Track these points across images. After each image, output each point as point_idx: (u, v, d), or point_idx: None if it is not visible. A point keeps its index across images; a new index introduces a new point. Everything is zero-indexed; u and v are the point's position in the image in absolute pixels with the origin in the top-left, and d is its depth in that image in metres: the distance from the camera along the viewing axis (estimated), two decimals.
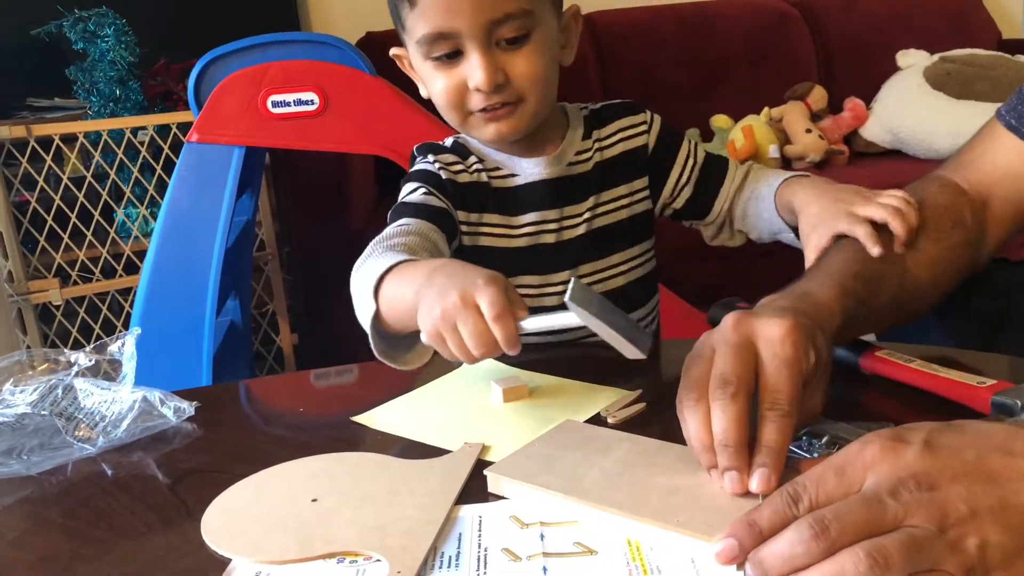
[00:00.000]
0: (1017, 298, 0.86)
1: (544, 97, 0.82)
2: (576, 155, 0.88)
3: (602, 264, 0.90)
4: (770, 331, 0.54)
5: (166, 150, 1.89)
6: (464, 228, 0.85)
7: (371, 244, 0.75)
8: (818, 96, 2.53)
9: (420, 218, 0.79)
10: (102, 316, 1.95)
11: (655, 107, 0.94)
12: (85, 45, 1.91)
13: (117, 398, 0.71)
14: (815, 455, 0.56)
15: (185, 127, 1.77)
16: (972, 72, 2.43)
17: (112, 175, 1.89)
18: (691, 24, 2.66)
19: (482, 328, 0.57)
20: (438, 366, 0.72)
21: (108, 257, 1.93)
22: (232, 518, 0.55)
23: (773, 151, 2.35)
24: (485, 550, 0.50)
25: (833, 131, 2.49)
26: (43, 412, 0.70)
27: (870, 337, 0.75)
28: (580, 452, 0.58)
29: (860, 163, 2.44)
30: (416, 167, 0.87)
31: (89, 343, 0.75)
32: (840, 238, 0.74)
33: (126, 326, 1.93)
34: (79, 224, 1.87)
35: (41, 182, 1.82)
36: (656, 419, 0.64)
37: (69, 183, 1.85)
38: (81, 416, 0.71)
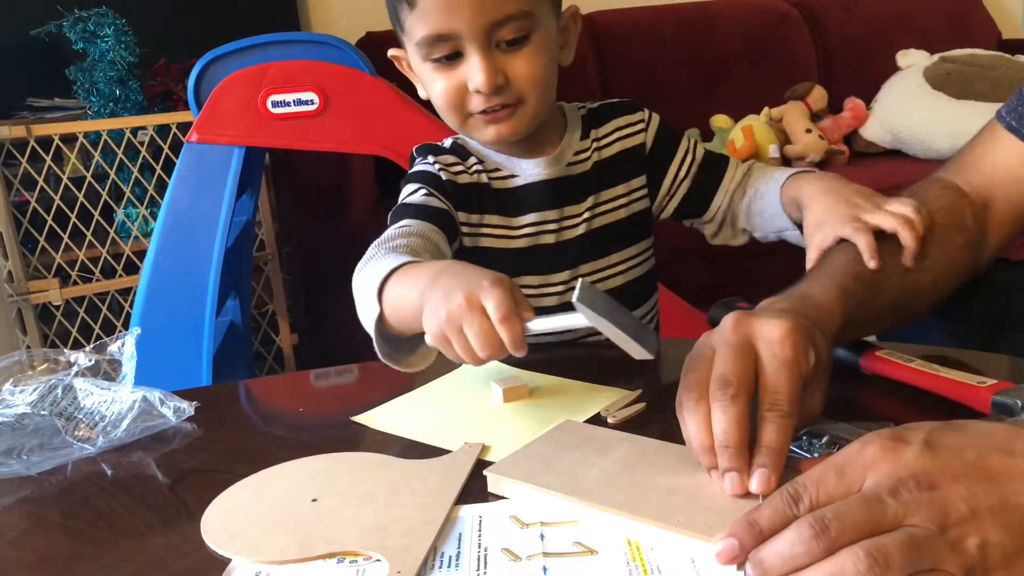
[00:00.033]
0: (1017, 298, 0.85)
1: (544, 98, 0.82)
2: (574, 155, 0.88)
3: (601, 263, 0.90)
4: (769, 332, 0.54)
5: (166, 150, 1.89)
6: (465, 229, 0.85)
7: (372, 246, 0.75)
8: (818, 96, 2.53)
9: (421, 219, 0.79)
10: (102, 316, 1.95)
11: (655, 107, 0.94)
12: (85, 45, 1.91)
13: (117, 398, 0.71)
14: (815, 455, 0.56)
15: (185, 127, 1.77)
16: (972, 72, 2.43)
17: (112, 175, 1.89)
18: (691, 24, 2.66)
19: (488, 330, 0.57)
20: (438, 366, 0.72)
21: (108, 257, 1.93)
22: (232, 518, 0.55)
23: (773, 151, 2.35)
24: (485, 550, 0.50)
25: (833, 131, 2.49)
26: (43, 412, 0.70)
27: (870, 337, 0.75)
28: (580, 452, 0.58)
29: (860, 163, 2.44)
30: (416, 168, 0.87)
31: (89, 343, 0.75)
32: (843, 240, 0.74)
33: (126, 326, 1.93)
34: (79, 224, 1.87)
35: (41, 182, 1.82)
36: (656, 419, 0.64)
37: (69, 183, 1.85)
38: (81, 416, 0.70)
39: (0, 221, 1.81)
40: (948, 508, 0.41)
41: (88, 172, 1.87)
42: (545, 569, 0.47)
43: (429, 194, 0.83)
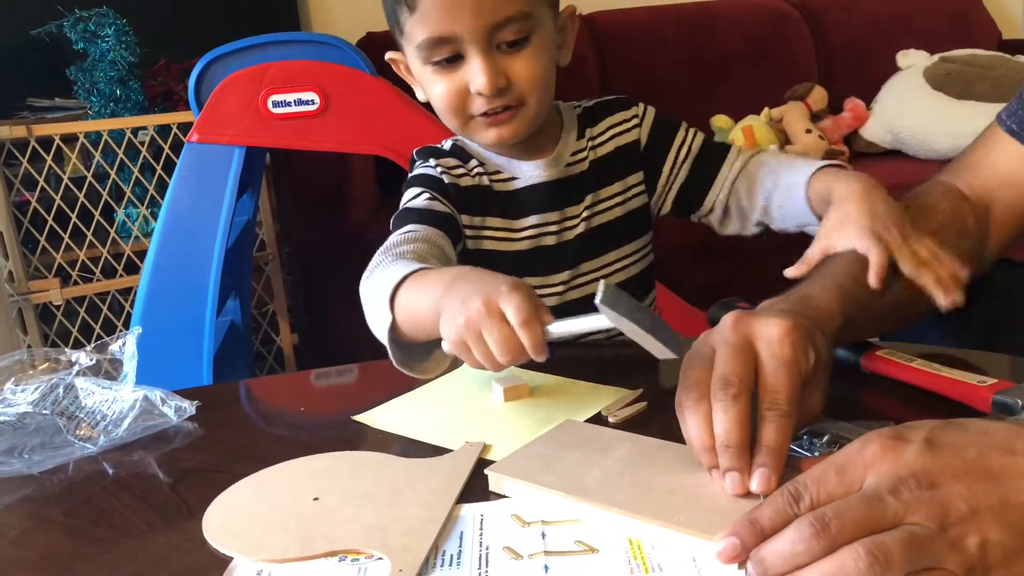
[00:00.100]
0: (1019, 299, 0.85)
1: (544, 99, 0.82)
2: (572, 156, 0.88)
3: (601, 262, 0.90)
4: (769, 331, 0.54)
5: (166, 150, 1.90)
6: (467, 232, 0.85)
7: (378, 253, 0.74)
8: (818, 96, 2.53)
9: (426, 224, 0.79)
10: (102, 316, 1.95)
11: (655, 107, 0.94)
12: (85, 45, 1.91)
13: (118, 397, 0.71)
14: (816, 454, 0.56)
15: (185, 127, 1.78)
16: (972, 72, 2.43)
17: (112, 175, 1.89)
18: (691, 24, 2.67)
19: (508, 335, 0.56)
20: None
21: (108, 257, 1.93)
22: (233, 517, 0.55)
23: (773, 151, 2.35)
24: (487, 549, 0.50)
25: (833, 131, 2.50)
26: (44, 411, 0.70)
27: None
28: (581, 451, 0.58)
29: (860, 163, 2.44)
30: (417, 171, 0.87)
31: (89, 343, 0.75)
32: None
33: (126, 326, 1.93)
34: (79, 224, 1.87)
35: (42, 182, 1.82)
36: (657, 418, 0.64)
37: (69, 183, 1.85)
38: (82, 415, 0.71)
39: (1, 221, 1.81)
40: (948, 507, 0.41)
41: (89, 172, 1.88)
42: (547, 568, 0.47)
43: (432, 198, 0.82)
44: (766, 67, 2.66)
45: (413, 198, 0.83)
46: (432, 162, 0.86)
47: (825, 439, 0.57)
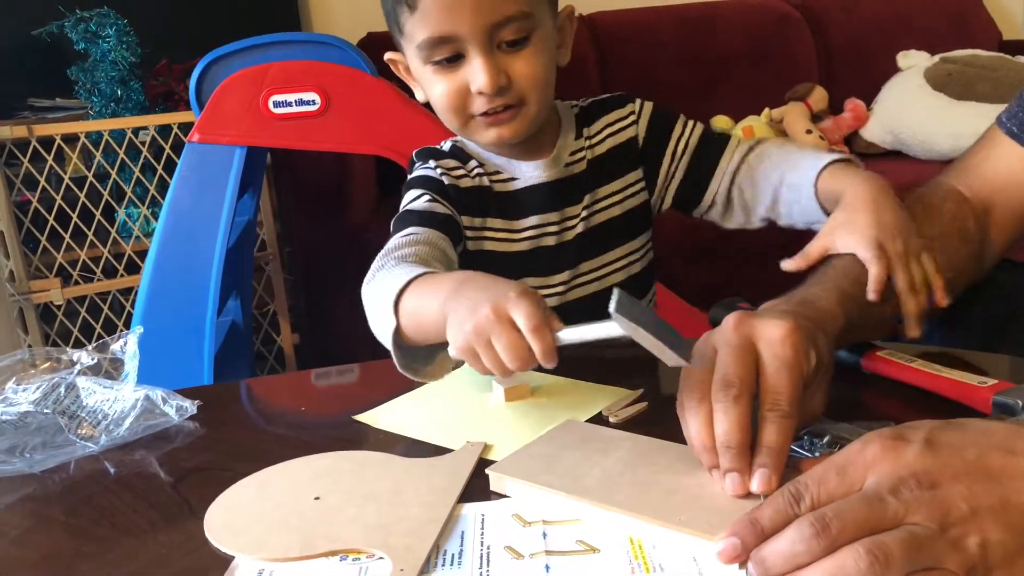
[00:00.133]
0: (1020, 300, 0.86)
1: (544, 99, 0.82)
2: (570, 155, 0.88)
3: (601, 261, 0.90)
4: (771, 332, 0.54)
5: (167, 150, 1.90)
6: (468, 233, 0.85)
7: (380, 256, 0.74)
8: (819, 97, 2.53)
9: (427, 226, 0.78)
10: (103, 316, 1.95)
11: None
12: (86, 45, 1.91)
13: (119, 396, 0.71)
14: (816, 455, 0.56)
15: (186, 127, 1.78)
16: (973, 73, 2.43)
17: (113, 175, 1.89)
18: (692, 24, 2.67)
19: (517, 341, 0.55)
20: None
21: (109, 257, 1.93)
22: (235, 516, 0.55)
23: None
24: (488, 548, 0.50)
25: (834, 132, 2.50)
26: (46, 410, 0.71)
27: None
28: (582, 451, 0.58)
29: None
30: (417, 173, 0.86)
31: (90, 343, 0.75)
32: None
33: (127, 326, 1.94)
34: (80, 224, 1.87)
35: (43, 182, 1.83)
36: (658, 419, 0.64)
37: (70, 183, 1.85)
38: (84, 414, 0.71)
39: (2, 221, 1.81)
40: (949, 507, 0.41)
41: (90, 172, 1.88)
42: (548, 567, 0.47)
43: (433, 200, 0.82)
44: (766, 67, 2.66)
45: (413, 200, 0.83)
46: (432, 163, 0.86)
47: (826, 439, 0.57)
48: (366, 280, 0.73)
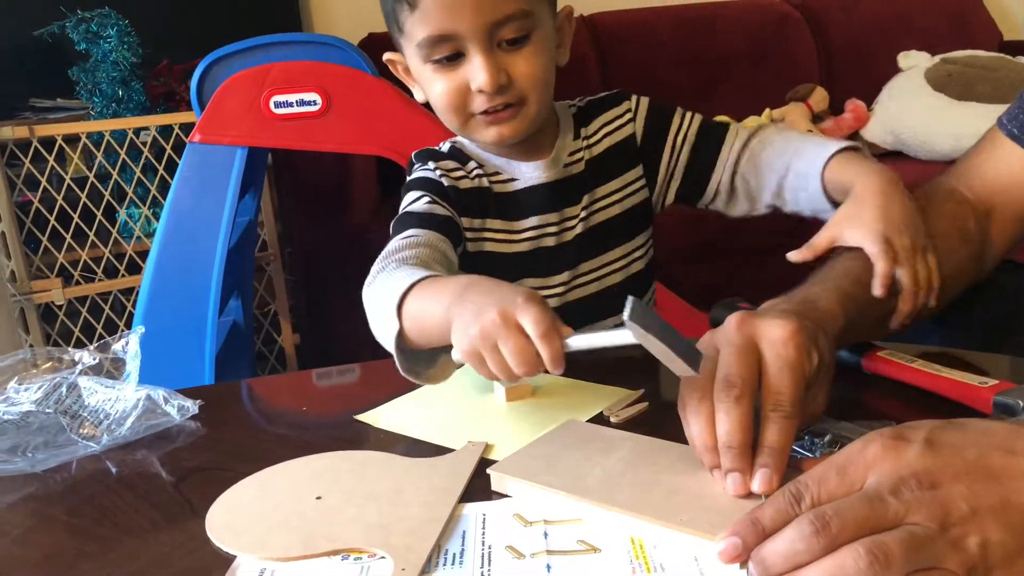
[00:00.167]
0: (1021, 300, 0.86)
1: (544, 98, 0.82)
2: (569, 156, 0.88)
3: (601, 261, 0.90)
4: (773, 332, 0.54)
5: (168, 150, 1.90)
6: (468, 235, 0.85)
7: (380, 259, 0.74)
8: (819, 97, 2.54)
9: (427, 228, 0.78)
10: (104, 316, 1.95)
11: None
12: (88, 46, 1.91)
13: (121, 396, 0.71)
14: (817, 454, 0.56)
15: (187, 127, 1.78)
16: (973, 73, 2.43)
17: (115, 175, 1.90)
18: (692, 25, 2.67)
19: (524, 346, 0.55)
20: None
21: (111, 257, 1.93)
22: (236, 516, 0.56)
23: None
24: (489, 548, 0.50)
25: (834, 132, 2.49)
26: (48, 410, 0.71)
27: None
28: (583, 451, 0.58)
29: None
30: (416, 174, 0.86)
31: (91, 343, 0.76)
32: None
33: (128, 326, 1.94)
34: (82, 224, 1.87)
35: (44, 182, 1.83)
36: (658, 419, 0.64)
37: (72, 183, 1.85)
38: (85, 414, 0.71)
39: (3, 221, 1.81)
40: (949, 507, 0.41)
41: (91, 172, 1.88)
42: (549, 567, 0.48)
43: (433, 201, 0.82)
44: (767, 68, 2.66)
45: (413, 202, 0.82)
46: (431, 165, 0.86)
47: (826, 439, 0.57)
48: (367, 282, 0.73)
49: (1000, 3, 2.98)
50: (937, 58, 2.53)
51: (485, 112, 0.80)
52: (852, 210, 0.73)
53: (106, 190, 1.89)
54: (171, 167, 1.84)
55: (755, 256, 2.17)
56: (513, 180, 0.87)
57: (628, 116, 0.90)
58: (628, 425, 0.65)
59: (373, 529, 0.52)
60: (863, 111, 2.53)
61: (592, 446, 0.59)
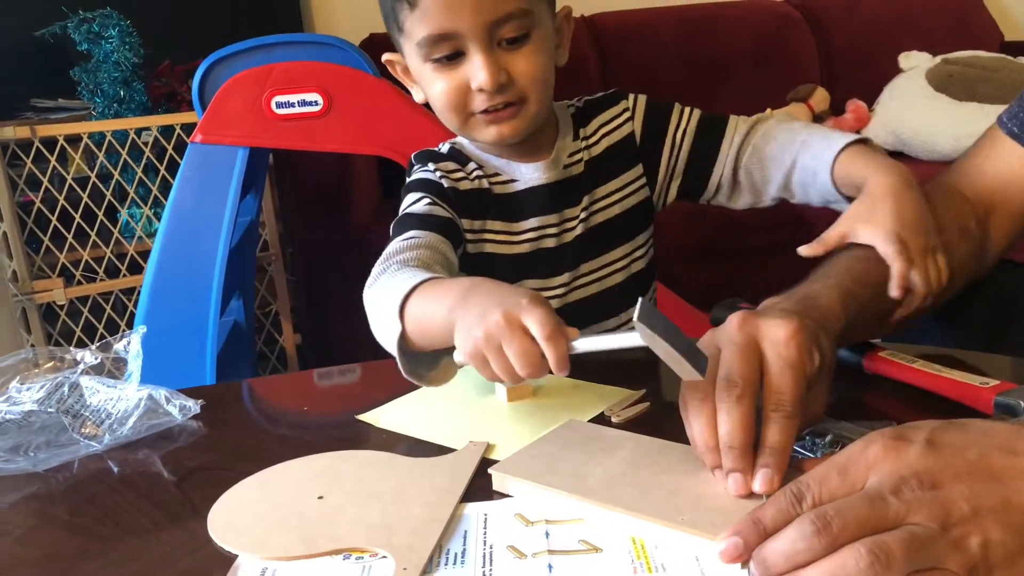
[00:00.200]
0: (1022, 301, 0.86)
1: (544, 98, 0.82)
2: (569, 157, 0.88)
3: (601, 261, 0.89)
4: (775, 332, 0.54)
5: (170, 151, 1.90)
6: (468, 236, 0.85)
7: (381, 260, 0.74)
8: (820, 98, 2.54)
9: (427, 229, 0.78)
10: (106, 316, 1.95)
11: None
12: (89, 46, 1.91)
13: (123, 396, 0.71)
14: (818, 454, 0.56)
15: (189, 128, 1.78)
16: (974, 74, 2.43)
17: (116, 175, 1.90)
18: (693, 26, 2.67)
19: (529, 348, 0.55)
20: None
21: (112, 257, 1.94)
22: (238, 515, 0.56)
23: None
24: (491, 547, 0.50)
25: None
26: (50, 409, 0.71)
27: None
28: (584, 451, 0.58)
29: None
30: (416, 176, 0.86)
31: (93, 343, 0.76)
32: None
33: (130, 326, 1.94)
34: (83, 224, 1.88)
35: (45, 182, 1.83)
36: (660, 418, 0.64)
37: (73, 183, 1.86)
38: (87, 414, 0.71)
39: (5, 221, 1.82)
40: (950, 507, 0.41)
41: (92, 172, 1.88)
42: (550, 567, 0.48)
43: (433, 203, 0.82)
44: (768, 68, 2.66)
45: (413, 203, 0.82)
46: (431, 166, 0.86)
47: (827, 439, 0.57)
48: (367, 284, 0.72)
49: (1001, 3, 2.98)
50: (938, 58, 2.53)
51: (485, 111, 0.80)
52: (865, 207, 0.73)
53: (108, 190, 1.90)
54: (173, 167, 1.84)
55: (756, 256, 2.17)
56: (513, 181, 0.87)
57: (626, 115, 0.90)
58: (629, 425, 0.65)
59: (375, 529, 0.52)
60: (864, 111, 2.53)
61: (593, 446, 0.59)
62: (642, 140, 0.90)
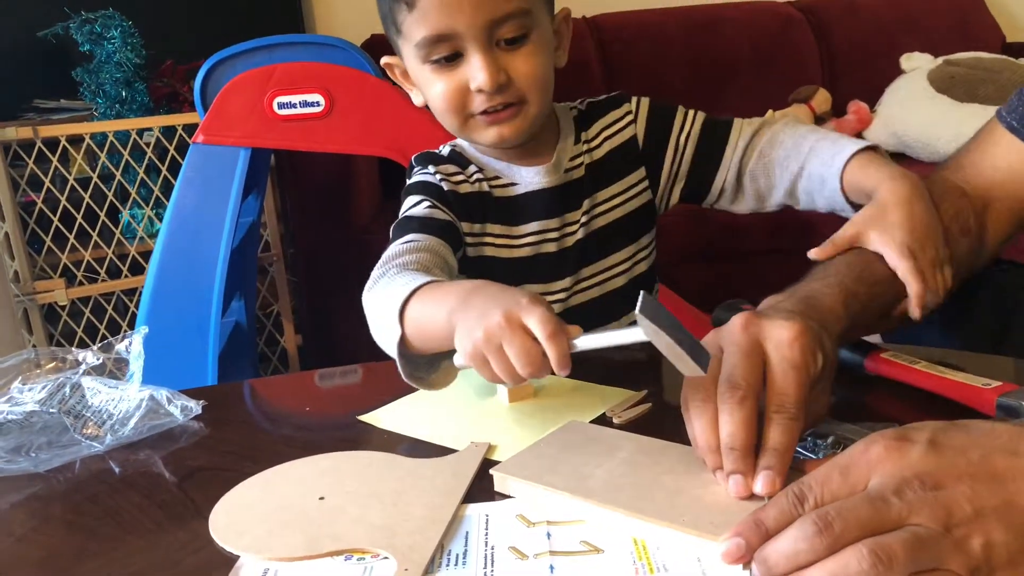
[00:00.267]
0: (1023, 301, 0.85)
1: (544, 99, 0.81)
2: (570, 161, 0.87)
3: (603, 265, 0.89)
4: (779, 334, 0.54)
5: (172, 151, 1.90)
6: (468, 239, 0.85)
7: (380, 264, 0.74)
8: (822, 99, 2.53)
9: (427, 233, 0.78)
10: (107, 316, 1.95)
11: None
12: (91, 47, 1.92)
13: (125, 396, 0.71)
14: (820, 456, 0.56)
15: (191, 128, 1.78)
16: (976, 75, 2.43)
17: (118, 176, 1.90)
18: (696, 27, 2.67)
19: (530, 347, 0.55)
20: None
21: (113, 258, 1.94)
22: (240, 516, 0.56)
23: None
24: (492, 548, 0.50)
25: None
26: (51, 410, 0.71)
27: (875, 339, 0.75)
28: (586, 452, 0.58)
29: None
30: (416, 178, 0.86)
31: (94, 344, 0.76)
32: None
33: (131, 327, 1.94)
34: (85, 225, 1.88)
35: (47, 183, 1.83)
36: (661, 419, 0.64)
37: (75, 184, 1.86)
38: (89, 414, 0.71)
39: (7, 222, 1.82)
40: (952, 508, 0.41)
41: (94, 173, 1.88)
42: (552, 568, 0.48)
43: (433, 206, 0.82)
44: (770, 70, 2.66)
45: (413, 206, 0.82)
46: (431, 169, 0.85)
47: (829, 440, 0.57)
48: (367, 287, 0.72)
49: (1003, 5, 2.98)
50: (940, 60, 2.52)
51: (485, 112, 0.79)
52: (876, 212, 0.72)
53: (109, 191, 1.90)
54: (174, 168, 1.84)
55: (756, 258, 2.17)
56: (513, 184, 0.86)
57: (629, 119, 0.90)
58: (631, 426, 0.65)
59: (376, 529, 0.52)
60: (866, 113, 2.53)
61: (595, 447, 0.59)
62: (645, 143, 0.89)
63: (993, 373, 0.64)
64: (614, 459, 0.57)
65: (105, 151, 1.88)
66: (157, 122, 1.90)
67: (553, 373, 0.56)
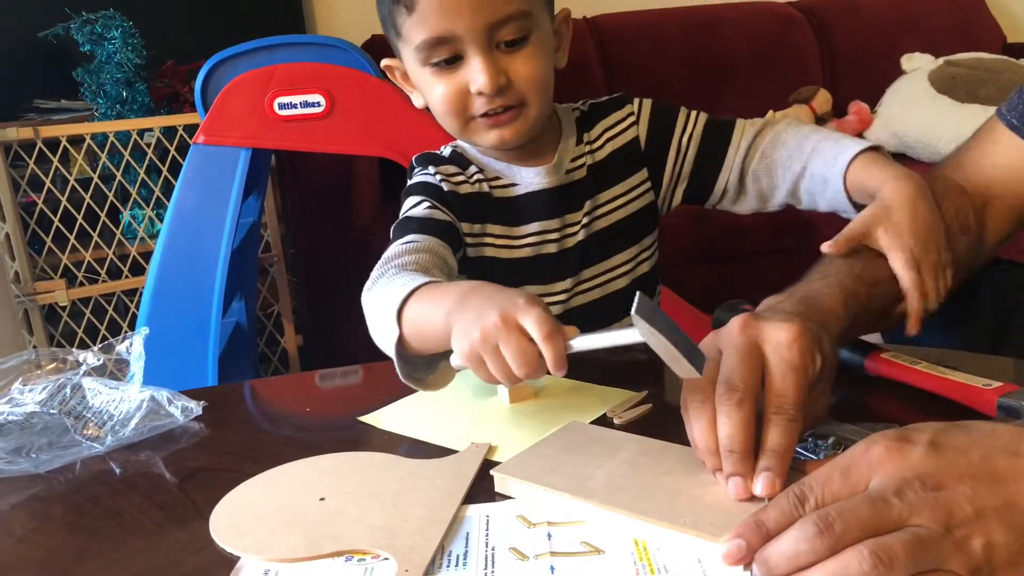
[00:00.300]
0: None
1: (544, 100, 0.81)
2: (571, 162, 0.87)
3: (604, 267, 0.89)
4: (777, 336, 0.54)
5: (172, 152, 1.90)
6: (468, 240, 0.84)
7: (380, 264, 0.74)
8: (823, 100, 2.53)
9: (427, 233, 0.78)
10: (108, 317, 1.95)
11: None
12: (92, 47, 1.92)
13: (125, 397, 0.71)
14: (821, 456, 0.56)
15: (191, 129, 1.78)
16: (977, 76, 2.43)
17: (119, 176, 1.90)
18: (696, 28, 2.67)
19: (526, 348, 0.55)
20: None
21: (114, 258, 1.94)
22: (240, 517, 0.56)
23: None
24: (492, 549, 0.50)
25: None
26: (52, 411, 0.71)
27: (876, 339, 0.75)
28: (586, 453, 0.58)
29: None
30: (416, 179, 0.86)
31: (95, 344, 0.76)
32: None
33: (132, 327, 1.94)
34: (85, 225, 1.88)
35: (48, 183, 1.83)
36: (662, 420, 0.64)
37: (76, 184, 1.86)
38: (89, 415, 0.71)
39: (7, 222, 1.82)
40: (953, 508, 0.41)
41: (95, 173, 1.88)
42: (552, 568, 0.48)
43: (433, 207, 0.82)
44: (771, 70, 2.66)
45: (413, 207, 0.82)
46: (431, 169, 0.85)
47: (830, 441, 0.57)
48: (366, 287, 0.72)
49: (1004, 5, 2.97)
50: (940, 60, 2.52)
51: (485, 115, 0.79)
52: (882, 212, 0.72)
53: (110, 191, 1.90)
54: (175, 168, 1.84)
55: (756, 258, 2.17)
56: (514, 185, 0.86)
57: (631, 120, 0.89)
58: (631, 427, 0.65)
59: (377, 530, 0.52)
60: (867, 113, 2.53)
61: (595, 448, 0.59)
62: (647, 145, 0.89)
63: (993, 373, 0.64)
64: (615, 460, 0.57)
65: (106, 151, 1.88)
66: (158, 122, 1.90)
67: (549, 373, 0.55)
